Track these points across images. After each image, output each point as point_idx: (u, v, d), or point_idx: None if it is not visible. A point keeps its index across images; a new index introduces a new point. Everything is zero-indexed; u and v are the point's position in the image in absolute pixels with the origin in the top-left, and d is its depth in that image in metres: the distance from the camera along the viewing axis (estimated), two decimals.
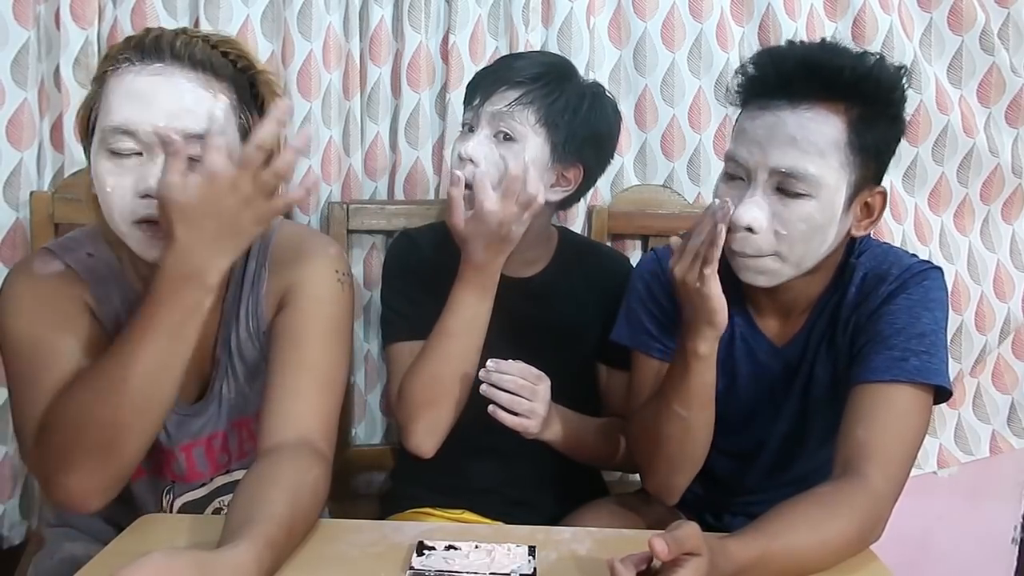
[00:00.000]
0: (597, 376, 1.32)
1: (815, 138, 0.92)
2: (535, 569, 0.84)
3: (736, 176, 0.97)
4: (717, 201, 0.91)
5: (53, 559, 1.03)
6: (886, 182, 1.58)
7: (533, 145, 1.15)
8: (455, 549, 0.87)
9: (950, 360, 1.65)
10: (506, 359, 1.11)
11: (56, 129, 1.42)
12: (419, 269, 1.25)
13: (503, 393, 1.09)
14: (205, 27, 1.39)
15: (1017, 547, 1.82)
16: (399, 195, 1.55)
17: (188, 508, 1.06)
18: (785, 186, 0.94)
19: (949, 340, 1.66)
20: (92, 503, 0.87)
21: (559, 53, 1.45)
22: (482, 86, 1.17)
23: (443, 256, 1.18)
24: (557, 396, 1.17)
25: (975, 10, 1.56)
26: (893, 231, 1.60)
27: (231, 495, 0.88)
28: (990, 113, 1.62)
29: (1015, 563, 1.82)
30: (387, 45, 1.51)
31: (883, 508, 0.89)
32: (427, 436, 1.14)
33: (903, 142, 1.57)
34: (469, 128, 1.18)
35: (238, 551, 0.74)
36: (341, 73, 1.49)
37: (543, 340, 1.22)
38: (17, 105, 1.37)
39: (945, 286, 1.02)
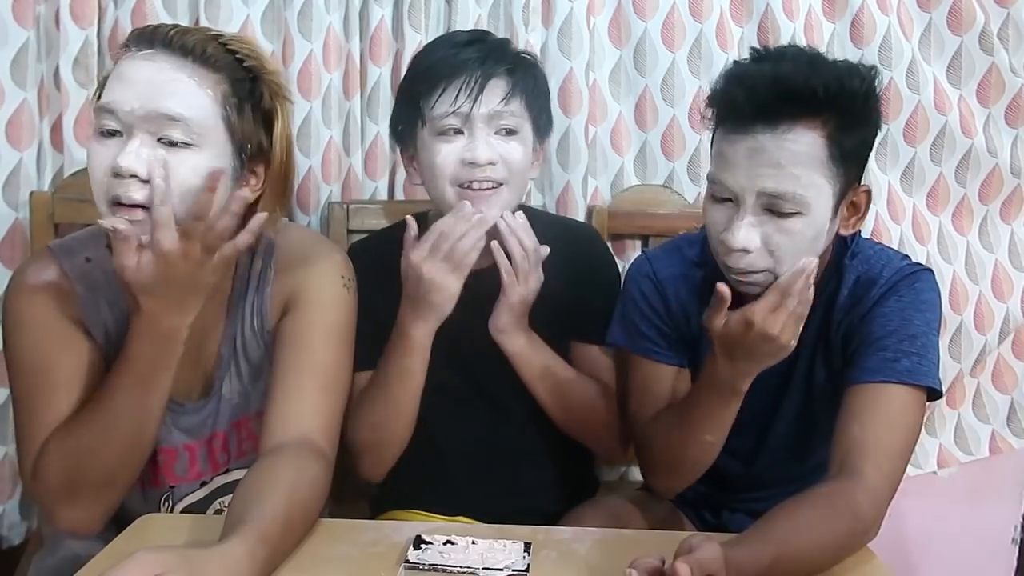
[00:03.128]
0: (569, 355, 1.24)
1: (798, 159, 0.92)
2: (529, 565, 0.84)
3: (724, 198, 0.97)
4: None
5: (54, 558, 1.03)
6: (883, 181, 1.61)
7: (526, 134, 1.15)
8: (451, 544, 0.87)
9: (950, 360, 1.67)
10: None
11: (56, 129, 1.42)
12: (361, 290, 1.12)
13: (517, 246, 1.11)
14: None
15: (1017, 547, 1.82)
16: (399, 195, 1.55)
17: (188, 511, 1.06)
18: (774, 207, 0.94)
19: (949, 340, 1.68)
20: (93, 530, 0.95)
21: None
22: (457, 85, 1.11)
23: (385, 269, 1.13)
24: None
25: (975, 10, 1.56)
26: (891, 231, 1.60)
27: (232, 495, 0.88)
28: (990, 113, 1.62)
29: (1015, 563, 1.82)
30: (387, 45, 1.51)
31: (880, 506, 0.90)
32: (373, 469, 1.18)
33: (900, 142, 1.60)
34: (453, 131, 1.13)
35: (230, 546, 0.74)
36: (341, 73, 1.50)
37: None
38: (17, 105, 1.37)
39: (937, 287, 1.03)
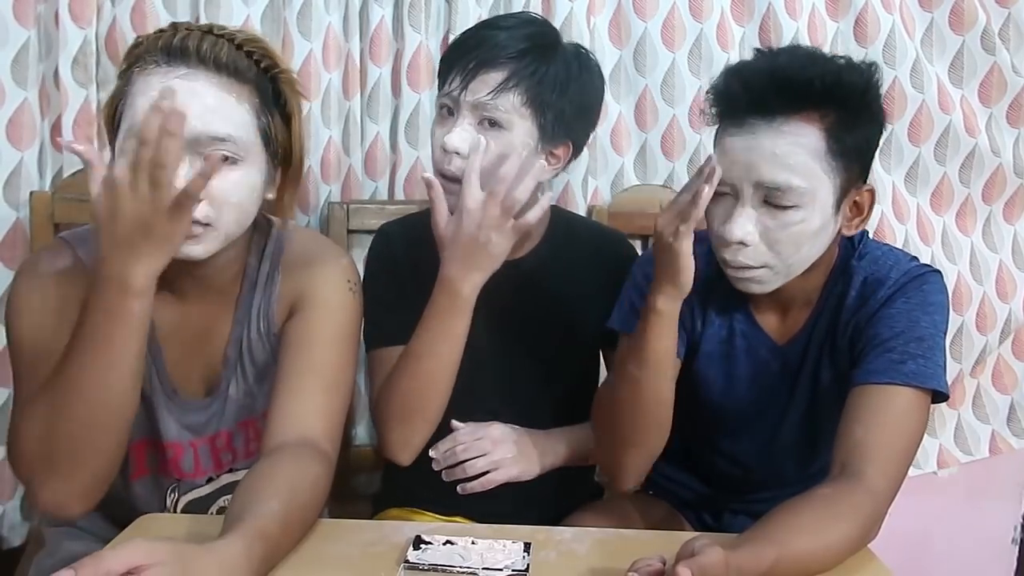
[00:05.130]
0: (599, 366, 1.25)
1: (795, 151, 0.93)
2: (528, 565, 0.84)
3: (723, 192, 0.97)
4: (711, 160, 0.93)
5: (54, 558, 1.04)
6: (887, 181, 1.61)
7: (520, 130, 1.08)
8: (451, 544, 0.88)
9: (950, 360, 1.67)
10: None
11: (56, 129, 1.42)
12: (395, 268, 1.19)
13: (456, 468, 1.14)
14: None
15: (1017, 547, 1.82)
16: (399, 195, 1.55)
17: (192, 506, 1.07)
18: (772, 199, 0.95)
19: (949, 341, 1.67)
20: (71, 510, 0.88)
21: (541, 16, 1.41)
22: (460, 67, 1.08)
23: (419, 252, 1.12)
24: (556, 392, 1.13)
25: (976, 10, 1.56)
26: (895, 231, 1.60)
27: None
28: (991, 113, 1.62)
29: (1015, 563, 1.82)
30: (387, 45, 1.51)
31: (881, 508, 0.90)
32: (402, 448, 1.13)
33: (905, 142, 1.60)
34: (448, 111, 1.11)
35: (227, 543, 0.74)
36: (341, 73, 1.50)
37: (538, 328, 1.18)
38: (17, 105, 1.38)
39: (945, 289, 1.03)
